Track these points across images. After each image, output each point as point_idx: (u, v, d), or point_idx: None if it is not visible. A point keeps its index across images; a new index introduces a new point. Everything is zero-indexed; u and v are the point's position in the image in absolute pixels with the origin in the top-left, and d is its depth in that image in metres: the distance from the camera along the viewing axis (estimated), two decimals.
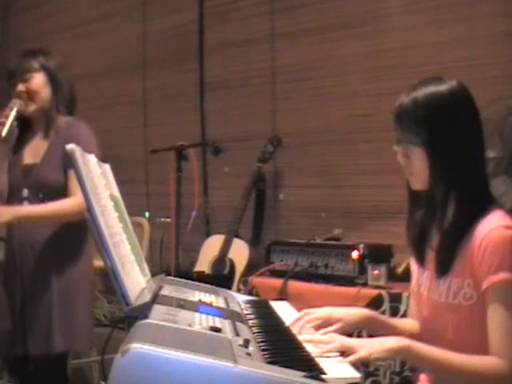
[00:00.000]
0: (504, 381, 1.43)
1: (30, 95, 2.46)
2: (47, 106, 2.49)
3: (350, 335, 1.59)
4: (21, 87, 2.46)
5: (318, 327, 1.62)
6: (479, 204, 1.54)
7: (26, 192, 2.44)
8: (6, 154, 2.48)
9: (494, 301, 1.45)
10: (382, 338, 1.48)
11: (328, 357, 1.40)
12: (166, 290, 1.63)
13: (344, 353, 1.42)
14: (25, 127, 2.53)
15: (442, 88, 1.55)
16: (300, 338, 1.52)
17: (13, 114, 2.39)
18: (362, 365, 1.40)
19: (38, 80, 2.48)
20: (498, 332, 1.43)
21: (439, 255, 1.57)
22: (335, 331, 1.56)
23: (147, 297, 1.40)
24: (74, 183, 2.33)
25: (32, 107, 2.48)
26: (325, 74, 3.61)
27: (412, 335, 1.64)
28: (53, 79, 2.50)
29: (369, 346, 1.41)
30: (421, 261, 1.67)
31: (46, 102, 2.49)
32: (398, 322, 1.82)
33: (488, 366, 1.42)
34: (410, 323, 1.77)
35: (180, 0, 4.40)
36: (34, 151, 2.50)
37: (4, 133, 2.35)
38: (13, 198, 2.47)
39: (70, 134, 2.42)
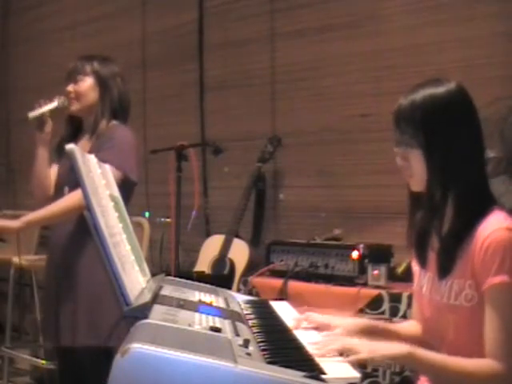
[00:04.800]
0: (499, 383, 1.43)
1: (76, 96, 2.57)
2: (93, 108, 2.58)
3: None
4: (69, 87, 2.59)
5: (317, 329, 1.63)
6: (479, 205, 1.53)
7: (66, 190, 2.51)
8: (46, 143, 2.58)
9: (492, 303, 1.45)
10: (385, 344, 1.48)
11: (327, 357, 1.39)
12: (166, 290, 1.63)
13: (343, 354, 1.42)
14: (77, 127, 2.66)
15: (440, 90, 1.55)
16: (305, 340, 1.52)
17: (50, 105, 2.53)
18: (359, 366, 1.40)
19: (87, 83, 2.58)
20: (494, 334, 1.44)
21: (440, 257, 1.57)
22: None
23: (147, 297, 1.40)
24: None
25: (75, 106, 2.59)
26: (324, 73, 3.61)
27: (413, 338, 1.64)
28: (102, 85, 2.59)
29: (371, 349, 1.40)
30: (422, 262, 1.67)
31: (91, 104, 2.58)
32: (398, 326, 1.81)
33: (484, 369, 1.43)
34: (411, 326, 1.76)
35: (180, 0, 4.40)
36: None
37: (30, 115, 2.51)
38: (56, 194, 2.56)
39: (106, 136, 2.50)
